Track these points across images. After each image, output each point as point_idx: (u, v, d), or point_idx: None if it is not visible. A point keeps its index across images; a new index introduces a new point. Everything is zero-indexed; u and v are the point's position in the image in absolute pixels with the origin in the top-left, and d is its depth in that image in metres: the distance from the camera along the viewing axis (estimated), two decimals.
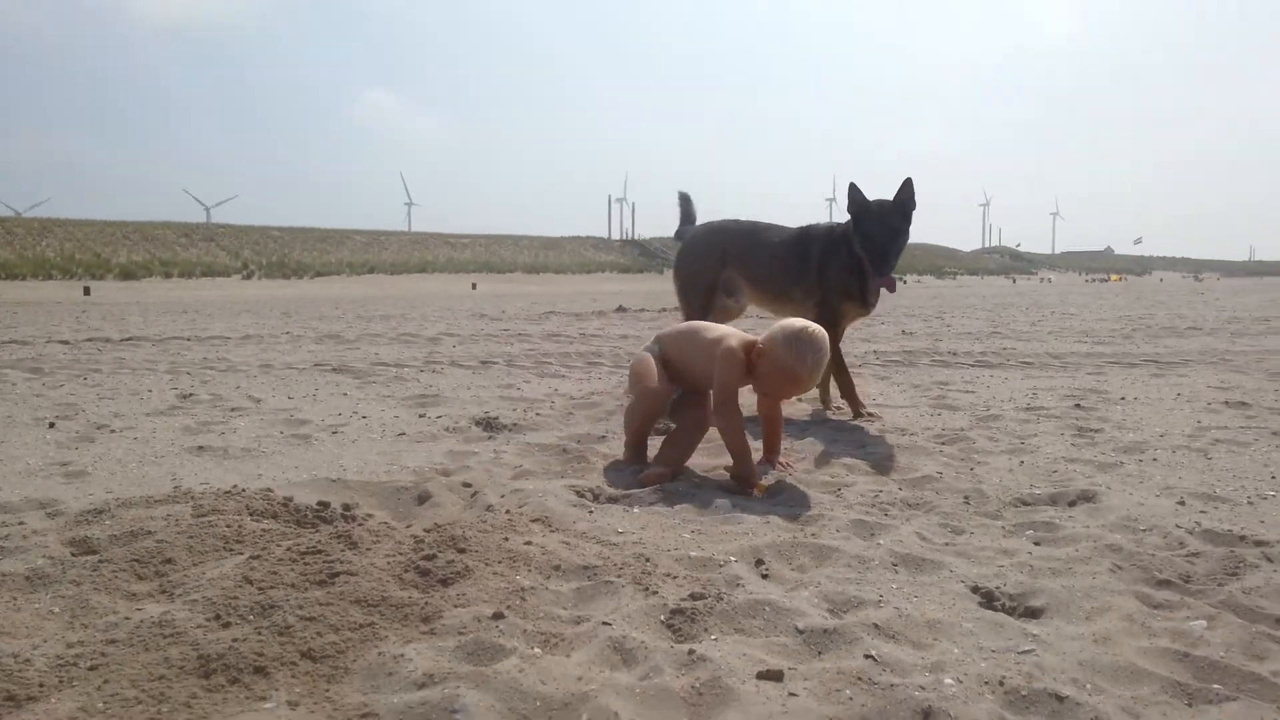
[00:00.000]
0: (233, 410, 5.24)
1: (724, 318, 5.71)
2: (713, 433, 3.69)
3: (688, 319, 5.48)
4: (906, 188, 4.72)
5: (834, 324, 4.98)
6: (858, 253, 4.81)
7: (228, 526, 2.65)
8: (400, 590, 2.21)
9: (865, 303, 5.00)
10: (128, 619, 2.02)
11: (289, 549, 2.41)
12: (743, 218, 5.64)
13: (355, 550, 2.45)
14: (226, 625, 1.98)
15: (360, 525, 2.71)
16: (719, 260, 5.52)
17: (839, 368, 5.12)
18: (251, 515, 2.83)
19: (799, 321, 3.50)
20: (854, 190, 4.80)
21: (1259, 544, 2.67)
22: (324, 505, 2.99)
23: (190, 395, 5.83)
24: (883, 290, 4.84)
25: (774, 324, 3.56)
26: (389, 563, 2.35)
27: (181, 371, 7.30)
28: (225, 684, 1.76)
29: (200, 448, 4.11)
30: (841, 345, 5.19)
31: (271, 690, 1.76)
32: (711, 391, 3.59)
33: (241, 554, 2.46)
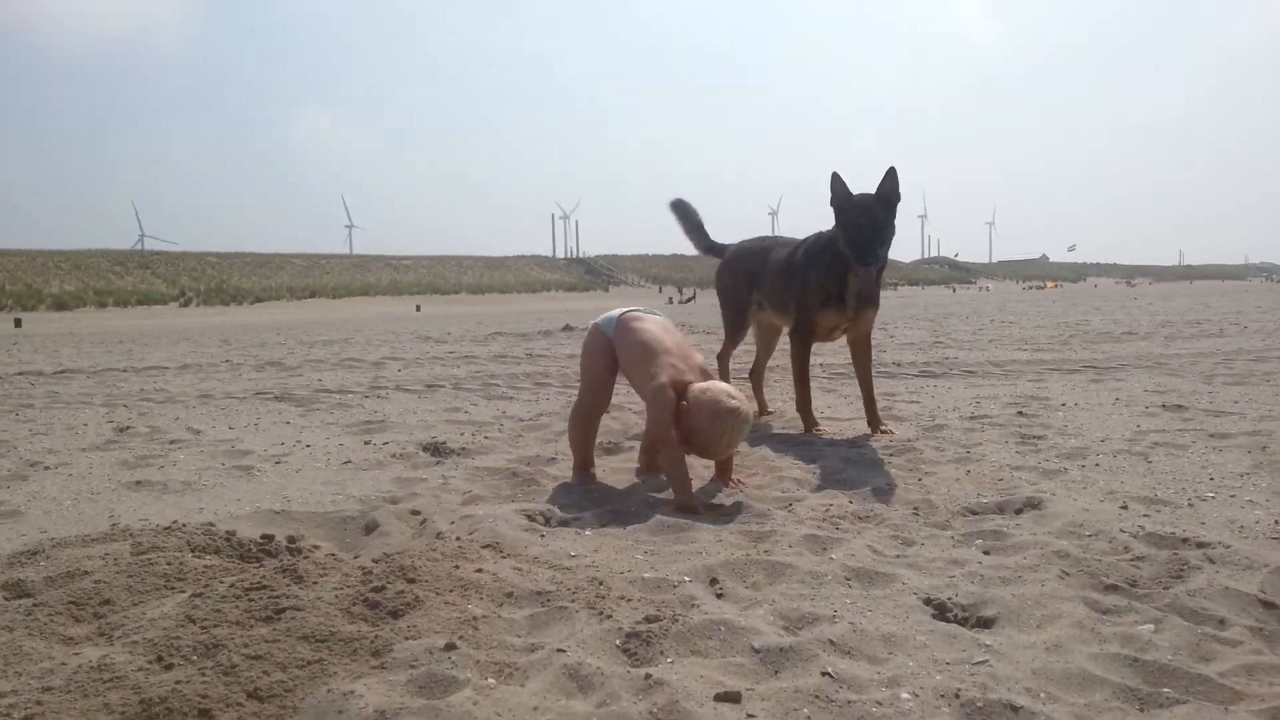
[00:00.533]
0: (172, 443, 5.12)
1: (768, 334, 5.90)
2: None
3: (727, 337, 5.82)
4: (890, 178, 4.59)
5: (808, 333, 4.99)
6: (843, 251, 4.67)
7: (168, 564, 2.58)
8: (349, 624, 2.16)
9: (845, 307, 4.83)
10: (64, 664, 1.95)
11: (233, 585, 2.35)
12: (778, 234, 5.73)
13: (301, 584, 2.39)
14: (169, 667, 1.92)
15: (306, 558, 2.66)
16: (747, 283, 5.58)
17: (800, 379, 5.08)
18: (193, 551, 2.76)
19: (724, 392, 3.47)
20: (837, 181, 4.67)
21: (1201, 545, 2.72)
22: (268, 538, 2.92)
23: (127, 428, 5.69)
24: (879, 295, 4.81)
25: (708, 382, 3.57)
26: (337, 596, 2.30)
27: (118, 404, 7.12)
28: None
29: (138, 483, 4.00)
30: (789, 361, 5.20)
31: None
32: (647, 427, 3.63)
33: (183, 592, 2.39)
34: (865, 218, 4.56)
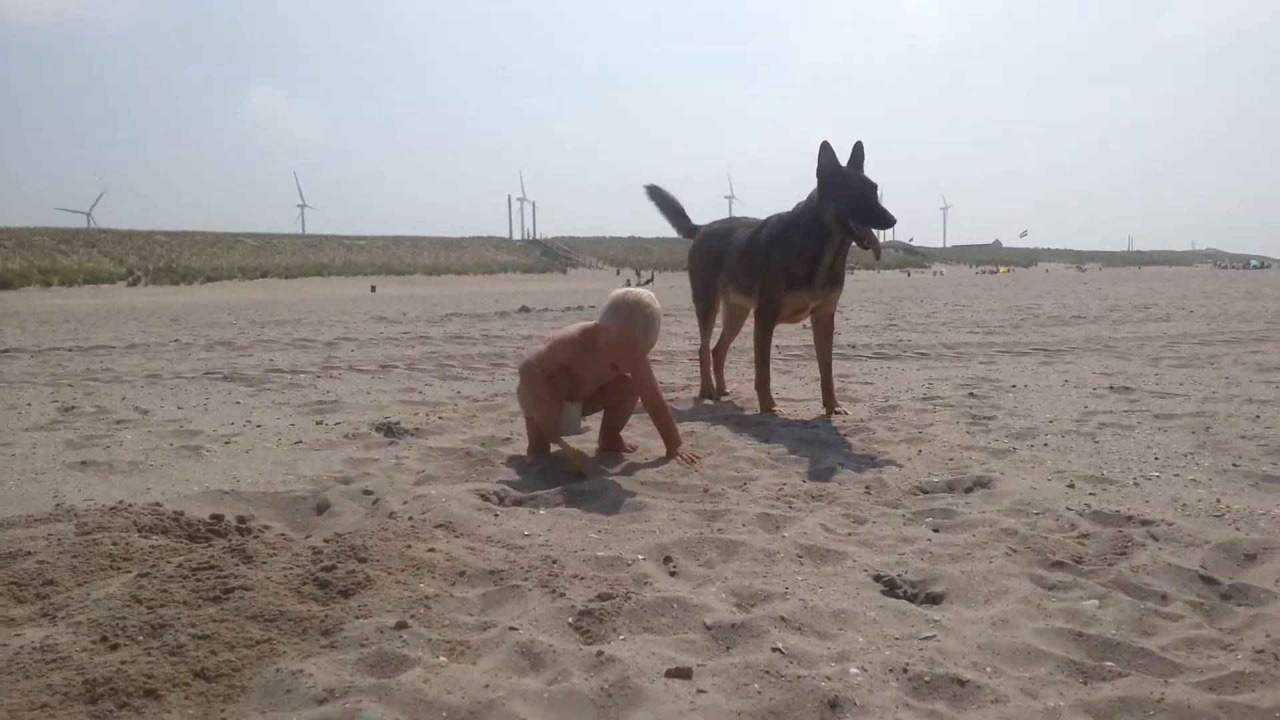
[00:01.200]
0: (118, 422, 5.03)
1: (735, 316, 5.82)
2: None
3: (700, 324, 5.79)
4: (858, 151, 4.61)
5: (772, 314, 4.96)
6: (830, 224, 4.61)
7: (114, 544, 2.53)
8: (299, 604, 2.14)
9: (814, 287, 4.82)
10: (5, 645, 1.91)
11: (180, 565, 2.31)
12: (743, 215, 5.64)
13: (251, 564, 2.36)
14: (114, 647, 1.89)
15: (256, 538, 2.63)
16: (715, 264, 5.53)
17: (761, 360, 5.06)
18: (140, 531, 2.71)
19: (621, 289, 3.74)
20: (827, 151, 4.60)
21: (1145, 523, 2.77)
22: (217, 518, 2.88)
23: (72, 408, 5.57)
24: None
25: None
26: (286, 576, 2.28)
27: (63, 383, 6.98)
28: (113, 709, 1.68)
29: (84, 463, 3.92)
30: (747, 344, 5.21)
31: (163, 713, 1.68)
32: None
33: (129, 572, 2.35)
34: (867, 183, 4.51)
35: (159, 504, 3.04)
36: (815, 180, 4.67)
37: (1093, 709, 1.71)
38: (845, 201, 4.53)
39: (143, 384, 6.90)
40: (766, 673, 1.82)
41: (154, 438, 4.54)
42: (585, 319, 4.87)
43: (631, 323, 3.66)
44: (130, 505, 2.99)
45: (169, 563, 2.36)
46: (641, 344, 3.72)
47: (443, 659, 1.90)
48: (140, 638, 1.93)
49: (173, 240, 77.52)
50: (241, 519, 2.93)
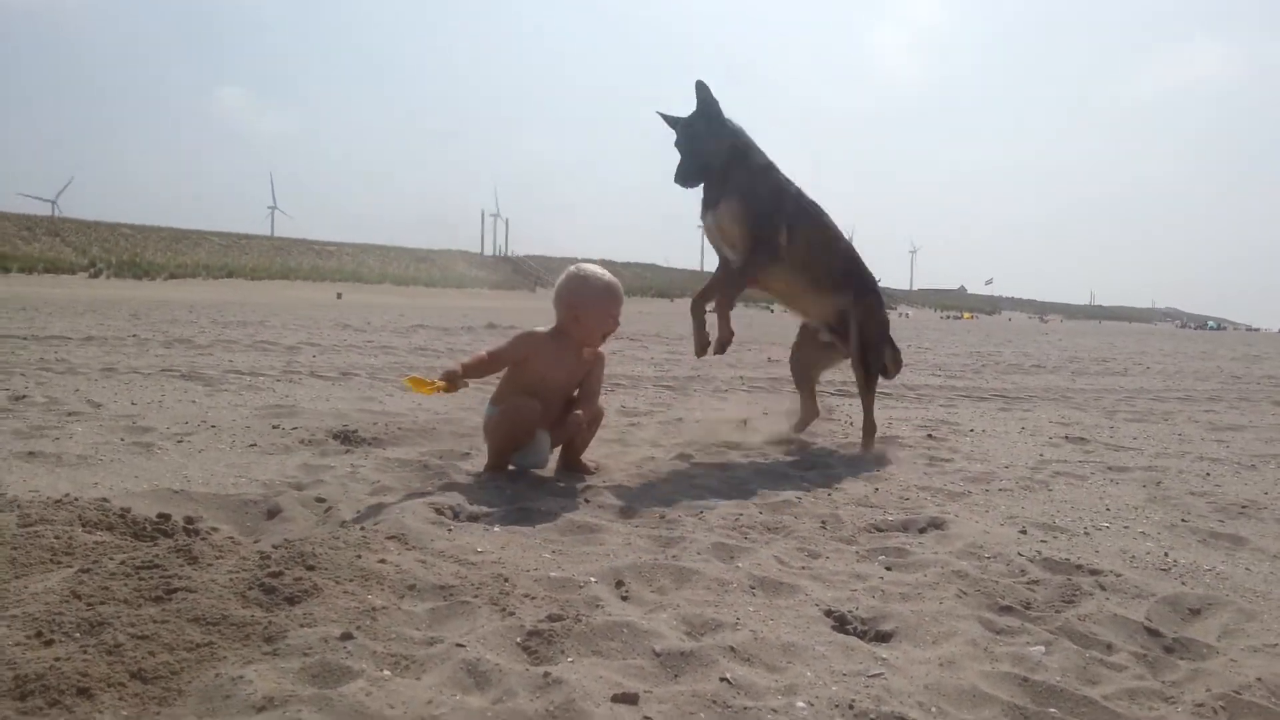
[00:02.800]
0: (69, 415, 4.94)
1: None
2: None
3: None
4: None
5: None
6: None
7: (56, 538, 2.48)
8: (242, 608, 2.10)
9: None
10: None
11: (123, 563, 2.26)
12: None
13: (196, 565, 2.32)
14: (49, 643, 1.84)
15: (203, 539, 2.58)
16: None
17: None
18: (84, 526, 2.65)
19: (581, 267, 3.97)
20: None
21: (1093, 572, 2.80)
22: (164, 517, 2.82)
23: (23, 397, 5.46)
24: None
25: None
26: (232, 579, 2.23)
27: (15, 372, 6.84)
28: (44, 706, 1.64)
29: (31, 454, 3.84)
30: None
31: (96, 713, 1.64)
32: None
33: (70, 567, 2.30)
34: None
35: (106, 499, 2.98)
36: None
37: None
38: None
39: (97, 377, 6.78)
40: (713, 702, 1.81)
41: (105, 432, 4.46)
42: None
43: (591, 294, 3.79)
44: (76, 499, 2.92)
45: (112, 560, 2.31)
46: (614, 309, 3.80)
47: (387, 672, 1.87)
48: (77, 635, 1.88)
49: (138, 234, 76.59)
50: (189, 519, 2.88)
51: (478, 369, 3.75)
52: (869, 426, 5.00)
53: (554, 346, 3.82)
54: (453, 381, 3.62)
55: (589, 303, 3.78)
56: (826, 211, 4.96)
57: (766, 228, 4.59)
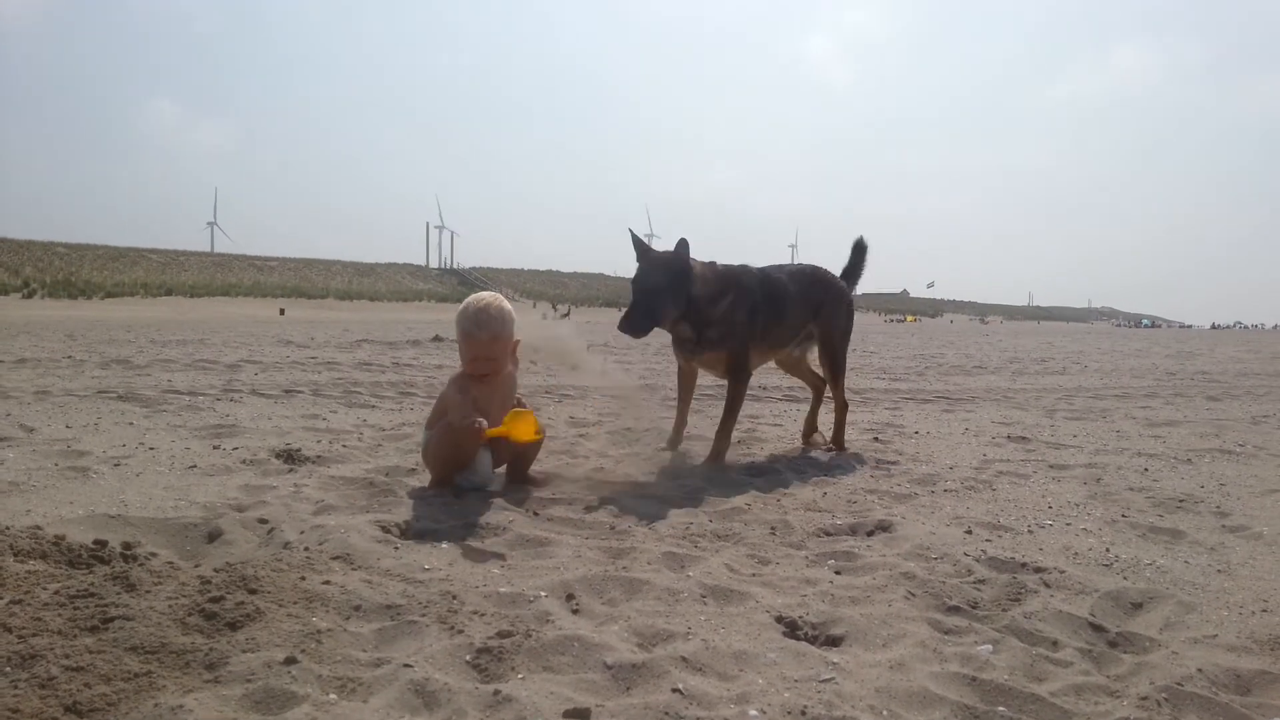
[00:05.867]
0: (0, 440, 4.79)
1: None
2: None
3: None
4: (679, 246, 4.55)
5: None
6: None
7: None
8: (182, 635, 2.05)
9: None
10: None
11: (57, 592, 2.20)
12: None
13: (133, 593, 2.26)
14: None
15: (141, 565, 2.52)
16: None
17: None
18: (15, 556, 2.57)
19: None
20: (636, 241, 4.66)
21: (1038, 570, 2.84)
22: (101, 544, 2.75)
23: None
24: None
25: None
26: (171, 606, 2.18)
27: None
28: None
29: None
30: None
31: None
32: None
33: (1, 599, 2.22)
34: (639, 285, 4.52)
35: (39, 527, 2.89)
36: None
37: None
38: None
39: (30, 400, 6.58)
40: (666, 714, 1.80)
41: (38, 457, 4.33)
42: None
43: (465, 324, 3.82)
44: (7, 528, 2.83)
45: (45, 589, 2.24)
46: (476, 335, 3.80)
47: (332, 696, 1.83)
48: (8, 669, 1.82)
49: (73, 253, 74.93)
50: (127, 545, 2.80)
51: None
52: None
53: (465, 380, 3.87)
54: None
55: (457, 328, 3.88)
56: (776, 268, 5.18)
57: (743, 355, 4.82)
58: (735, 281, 4.78)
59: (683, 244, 4.52)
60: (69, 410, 6.10)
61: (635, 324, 4.43)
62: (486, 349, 3.80)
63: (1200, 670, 2.10)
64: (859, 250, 5.83)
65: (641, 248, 4.61)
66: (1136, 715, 1.89)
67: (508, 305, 3.90)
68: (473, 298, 3.96)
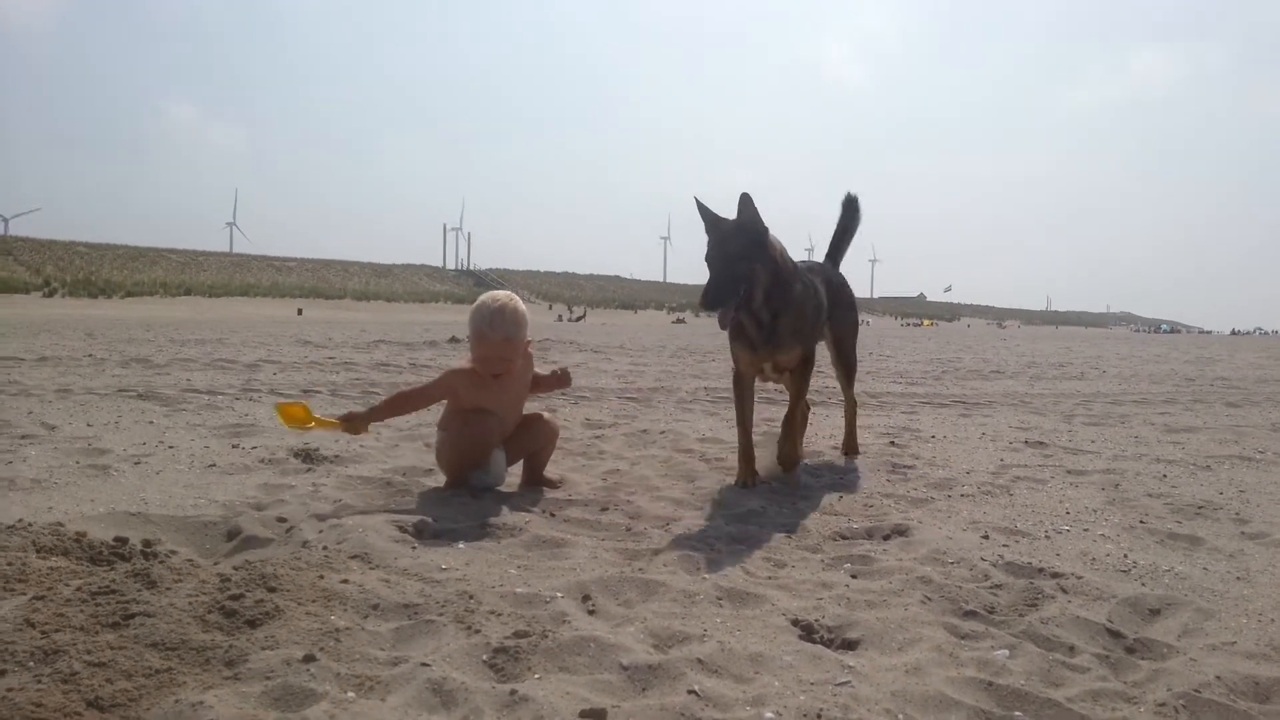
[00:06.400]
0: (22, 438, 4.84)
1: None
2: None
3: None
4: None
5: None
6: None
7: (9, 564, 2.43)
8: (202, 633, 2.07)
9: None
10: None
11: (79, 589, 2.22)
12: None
13: (154, 590, 2.28)
14: (1, 673, 1.80)
15: (161, 563, 2.54)
16: None
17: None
18: (38, 552, 2.60)
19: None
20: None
21: (1055, 576, 2.83)
22: (121, 541, 2.78)
23: None
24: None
25: None
26: (191, 603, 2.20)
27: None
28: None
29: None
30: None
31: None
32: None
33: (24, 594, 2.25)
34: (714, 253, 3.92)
35: (60, 524, 2.92)
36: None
37: None
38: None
39: (52, 398, 6.65)
40: (681, 715, 1.81)
41: (60, 455, 4.37)
42: None
43: (478, 323, 3.78)
44: (30, 524, 2.86)
45: (67, 585, 2.26)
46: (489, 336, 3.77)
47: (351, 694, 1.85)
48: (31, 664, 1.84)
49: (93, 252, 75.52)
50: (147, 542, 2.83)
51: (391, 410, 3.93)
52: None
53: (476, 377, 3.83)
54: (354, 427, 3.79)
55: (470, 326, 3.84)
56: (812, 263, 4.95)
57: (814, 353, 4.49)
58: (799, 268, 4.29)
59: (747, 201, 3.90)
60: (90, 408, 6.16)
61: (721, 291, 3.82)
62: (499, 349, 3.78)
63: (1218, 677, 2.09)
64: (850, 208, 5.27)
65: (711, 217, 4.00)
66: None
67: (522, 306, 3.88)
68: (487, 296, 3.94)
